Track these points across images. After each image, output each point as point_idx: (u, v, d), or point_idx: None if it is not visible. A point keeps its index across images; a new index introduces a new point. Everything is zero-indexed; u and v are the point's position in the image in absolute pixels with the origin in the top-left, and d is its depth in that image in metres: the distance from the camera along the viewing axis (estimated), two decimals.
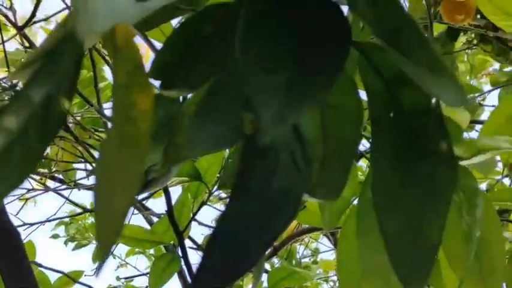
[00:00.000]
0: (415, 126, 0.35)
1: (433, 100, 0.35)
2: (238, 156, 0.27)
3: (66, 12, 1.56)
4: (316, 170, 0.39)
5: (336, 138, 0.39)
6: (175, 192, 1.55)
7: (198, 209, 1.15)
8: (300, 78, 0.24)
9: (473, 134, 1.66)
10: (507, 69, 1.69)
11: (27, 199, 1.93)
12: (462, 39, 1.63)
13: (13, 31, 1.61)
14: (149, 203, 1.72)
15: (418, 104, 0.35)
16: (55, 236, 2.51)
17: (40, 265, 1.44)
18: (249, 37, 0.24)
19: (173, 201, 1.10)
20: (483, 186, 1.33)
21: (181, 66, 0.34)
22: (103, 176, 0.26)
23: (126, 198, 0.25)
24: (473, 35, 1.59)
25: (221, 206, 1.97)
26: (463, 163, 0.56)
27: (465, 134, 1.46)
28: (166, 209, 1.08)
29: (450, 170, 0.35)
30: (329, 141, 0.39)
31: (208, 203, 1.20)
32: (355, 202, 0.66)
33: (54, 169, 1.72)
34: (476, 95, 1.68)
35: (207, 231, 1.83)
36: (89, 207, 1.95)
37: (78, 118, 1.59)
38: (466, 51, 1.85)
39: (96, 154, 1.54)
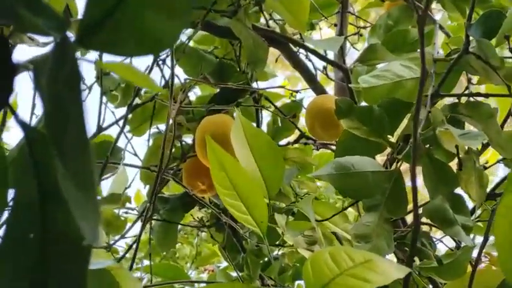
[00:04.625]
0: (51, 249, 0.29)
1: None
2: None
3: None
4: None
5: None
6: None
7: None
8: None
9: None
10: (232, 272, 1.38)
11: None
12: (198, 214, 1.55)
13: None
14: None
15: (67, 229, 0.30)
16: None
17: None
18: None
19: None
20: None
21: None
22: None
23: None
24: (209, 215, 1.51)
25: None
26: None
27: None
28: None
29: None
30: None
31: None
32: None
33: None
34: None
35: None
36: None
37: None
38: (199, 232, 1.73)
39: None
